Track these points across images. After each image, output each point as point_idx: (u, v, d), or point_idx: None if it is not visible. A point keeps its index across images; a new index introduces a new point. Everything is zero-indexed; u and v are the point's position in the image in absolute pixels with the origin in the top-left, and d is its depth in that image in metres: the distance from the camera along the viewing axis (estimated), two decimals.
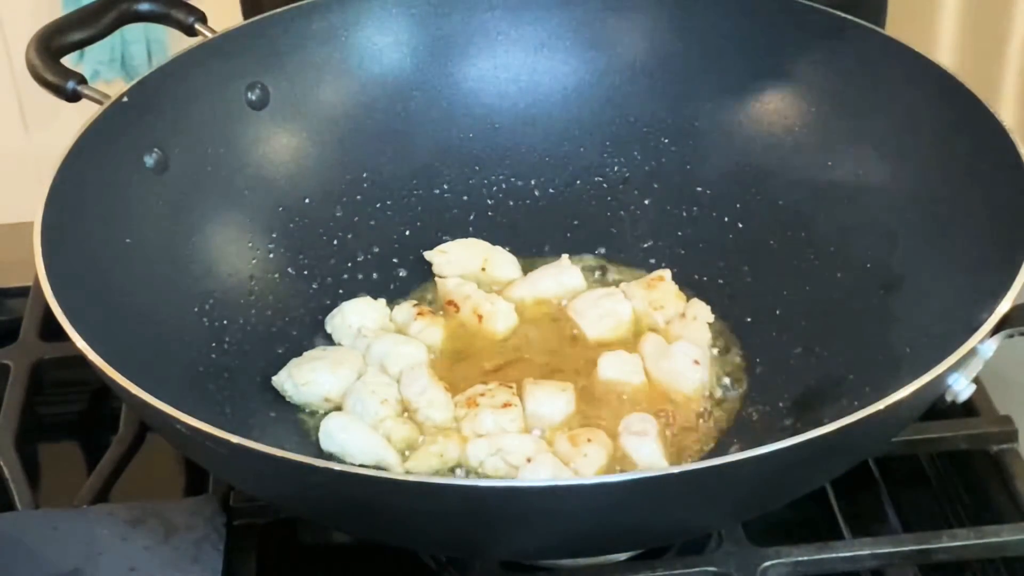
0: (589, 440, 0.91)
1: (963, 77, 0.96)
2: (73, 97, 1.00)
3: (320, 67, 1.08)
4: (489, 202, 1.10)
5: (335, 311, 1.02)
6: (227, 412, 0.93)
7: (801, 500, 0.84)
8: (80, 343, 0.80)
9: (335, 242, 1.07)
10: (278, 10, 1.06)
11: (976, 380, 0.80)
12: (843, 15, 1.03)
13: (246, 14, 1.33)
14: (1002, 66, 2.02)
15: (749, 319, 1.02)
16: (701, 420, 0.95)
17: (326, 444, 0.92)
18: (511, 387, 0.95)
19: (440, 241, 1.08)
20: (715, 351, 1.00)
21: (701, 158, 1.09)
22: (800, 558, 0.86)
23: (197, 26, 1.05)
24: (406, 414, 0.95)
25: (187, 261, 0.99)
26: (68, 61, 1.02)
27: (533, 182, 1.11)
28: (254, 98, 1.05)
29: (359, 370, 0.97)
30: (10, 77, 2.18)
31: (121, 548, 0.86)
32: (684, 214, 1.08)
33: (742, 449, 0.73)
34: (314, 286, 1.05)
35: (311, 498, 0.79)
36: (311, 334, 1.02)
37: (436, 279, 1.06)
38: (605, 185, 1.10)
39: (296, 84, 1.07)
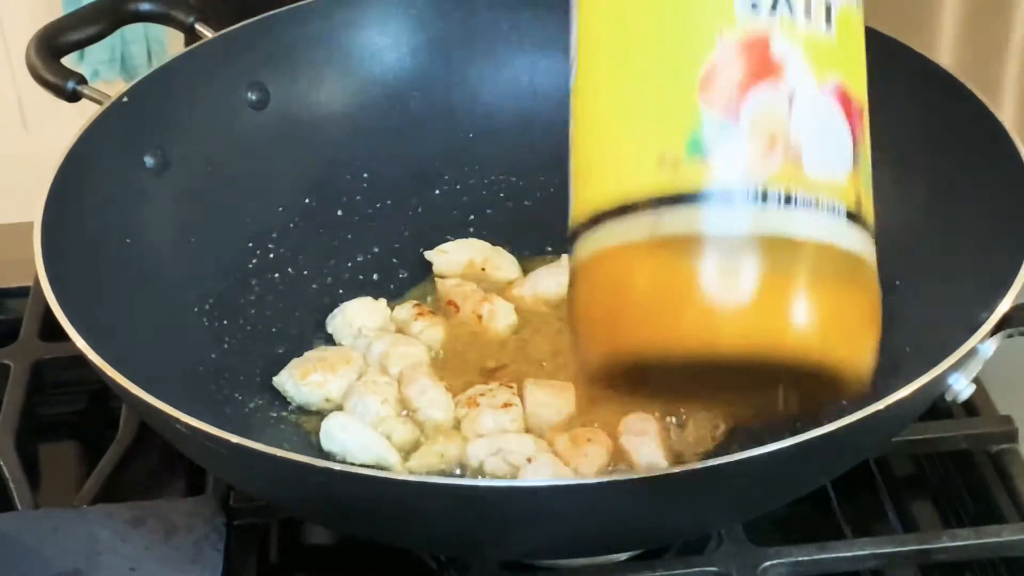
0: (589, 440, 0.91)
1: (963, 77, 0.96)
2: (73, 97, 1.00)
3: (320, 67, 1.08)
4: (489, 202, 1.10)
5: (336, 311, 1.02)
6: (227, 412, 0.93)
7: (801, 500, 0.84)
8: (80, 343, 0.80)
9: (335, 242, 1.07)
10: (278, 10, 1.06)
11: (976, 380, 0.80)
12: None
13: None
14: (1002, 66, 2.02)
15: None
16: (701, 420, 0.95)
17: (327, 444, 0.92)
18: (511, 387, 0.95)
19: (440, 241, 1.08)
20: None
21: None
22: (800, 558, 0.86)
23: (197, 26, 1.05)
24: (406, 414, 0.95)
25: (187, 261, 0.99)
26: (68, 61, 1.02)
27: (533, 182, 1.11)
28: (254, 98, 1.05)
29: (360, 370, 0.98)
30: (10, 77, 2.18)
31: (121, 548, 0.86)
32: None
33: (742, 449, 0.73)
34: (314, 286, 1.05)
35: (311, 498, 0.79)
36: (311, 334, 1.02)
37: (436, 279, 1.06)
38: None
39: (296, 84, 1.07)
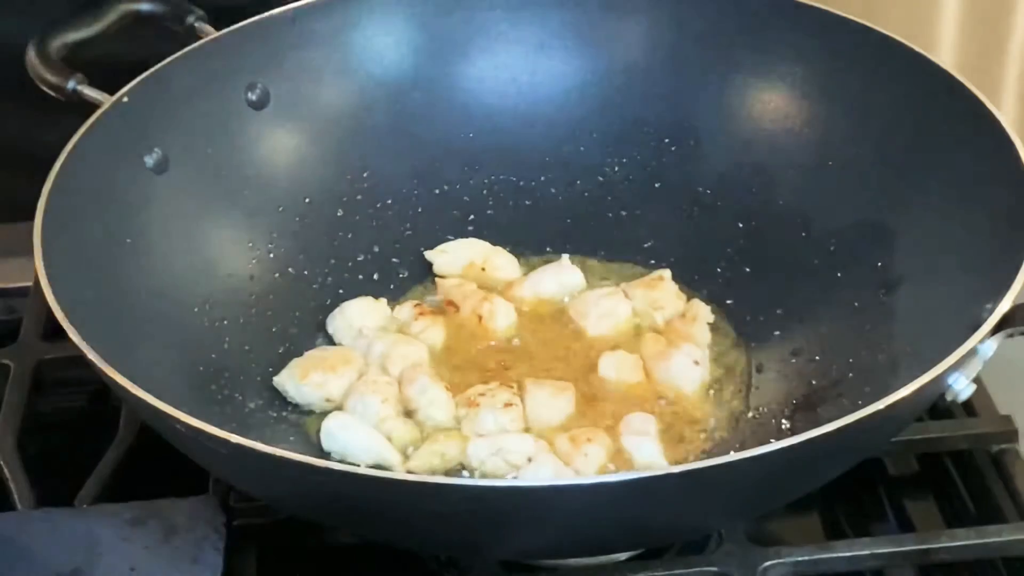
0: (589, 440, 0.91)
1: (963, 77, 0.96)
2: (73, 97, 1.00)
3: (320, 67, 1.08)
4: (489, 202, 1.10)
5: (336, 311, 1.02)
6: (227, 412, 0.93)
7: (801, 500, 0.84)
8: (80, 343, 0.80)
9: (335, 242, 1.07)
10: (278, 10, 1.06)
11: (976, 380, 0.80)
12: (843, 15, 1.03)
13: None
14: (1002, 66, 2.02)
15: (749, 319, 1.02)
16: (701, 420, 0.95)
17: (327, 444, 0.92)
18: (512, 387, 0.95)
19: (440, 241, 1.08)
20: (715, 351, 1.00)
21: (701, 158, 1.09)
22: (800, 558, 0.86)
23: (197, 26, 1.05)
24: (407, 414, 0.95)
25: (187, 261, 0.99)
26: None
27: (533, 182, 1.11)
28: (254, 98, 1.05)
29: (360, 370, 0.98)
30: None
31: (121, 548, 0.86)
32: (684, 214, 1.08)
33: (742, 449, 0.73)
34: (314, 286, 1.05)
35: (312, 498, 0.79)
36: (311, 334, 1.02)
37: (436, 279, 1.06)
38: (606, 185, 1.10)
39: (296, 84, 1.07)
